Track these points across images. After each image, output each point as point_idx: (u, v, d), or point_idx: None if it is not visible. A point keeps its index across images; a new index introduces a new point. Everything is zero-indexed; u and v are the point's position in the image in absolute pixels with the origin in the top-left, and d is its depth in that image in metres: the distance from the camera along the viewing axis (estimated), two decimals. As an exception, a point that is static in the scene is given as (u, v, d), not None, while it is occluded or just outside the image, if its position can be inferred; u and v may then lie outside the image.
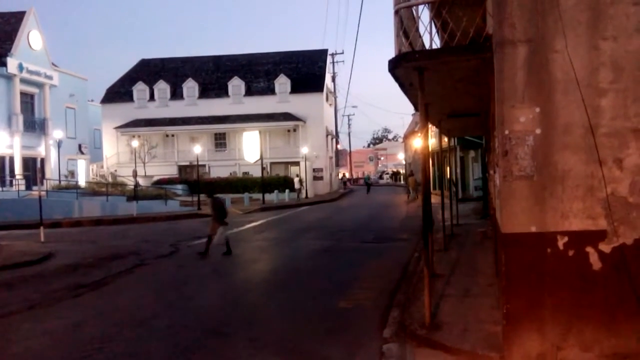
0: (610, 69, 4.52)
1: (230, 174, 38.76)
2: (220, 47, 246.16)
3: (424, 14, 5.96)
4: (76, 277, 10.15)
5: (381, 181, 71.85)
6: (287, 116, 40.33)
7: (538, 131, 4.61)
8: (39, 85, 32.73)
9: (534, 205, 4.62)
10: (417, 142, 34.68)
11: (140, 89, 42.12)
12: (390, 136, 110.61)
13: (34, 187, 28.85)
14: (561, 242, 4.60)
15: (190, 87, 41.88)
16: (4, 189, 28.61)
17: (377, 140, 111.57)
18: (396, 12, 5.64)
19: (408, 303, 6.90)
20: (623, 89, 4.52)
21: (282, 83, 41.08)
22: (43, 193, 23.30)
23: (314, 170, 40.60)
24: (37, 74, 31.96)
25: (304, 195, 35.51)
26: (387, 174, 76.93)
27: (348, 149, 74.61)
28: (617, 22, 4.51)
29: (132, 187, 28.63)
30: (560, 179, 4.59)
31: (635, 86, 4.51)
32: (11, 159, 30.33)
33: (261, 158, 32.90)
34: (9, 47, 30.16)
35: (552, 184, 4.60)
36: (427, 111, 7.06)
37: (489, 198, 13.01)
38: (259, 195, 31.53)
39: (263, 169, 33.02)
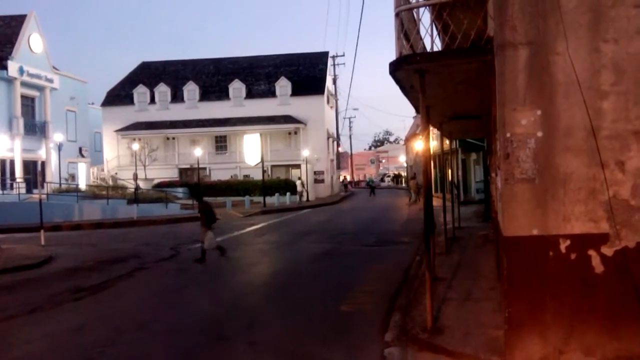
0: (611, 72, 4.51)
1: (231, 176, 38.74)
2: (221, 50, 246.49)
3: (425, 17, 5.96)
4: (76, 281, 10.12)
5: (382, 184, 71.82)
6: (288, 119, 40.35)
7: (539, 134, 4.59)
8: (40, 89, 32.77)
9: (535, 208, 4.60)
10: (418, 145, 34.71)
11: (140, 92, 42.16)
12: (392, 139, 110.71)
13: (35, 190, 28.83)
14: (563, 245, 4.58)
15: (191, 90, 41.92)
16: (5, 192, 28.63)
17: (378, 143, 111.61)
18: (397, 15, 5.63)
19: (410, 307, 6.87)
20: (624, 91, 4.51)
21: (283, 86, 41.10)
22: (43, 196, 23.31)
23: (315, 173, 40.59)
24: (38, 77, 32.01)
25: (305, 198, 35.50)
26: (389, 176, 76.91)
27: (349, 152, 74.63)
28: (618, 25, 4.50)
29: (133, 190, 28.61)
30: (562, 181, 4.58)
31: (637, 88, 4.49)
32: (12, 162, 30.35)
33: (262, 161, 32.89)
34: (10, 50, 30.22)
35: (553, 187, 4.58)
36: (428, 114, 7.05)
37: (491, 201, 12.99)
38: (260, 198, 31.51)
39: (264, 171, 33.03)
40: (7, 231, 19.14)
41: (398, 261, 11.13)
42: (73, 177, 35.60)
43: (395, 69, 5.61)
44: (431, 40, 5.74)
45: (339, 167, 52.79)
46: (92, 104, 42.96)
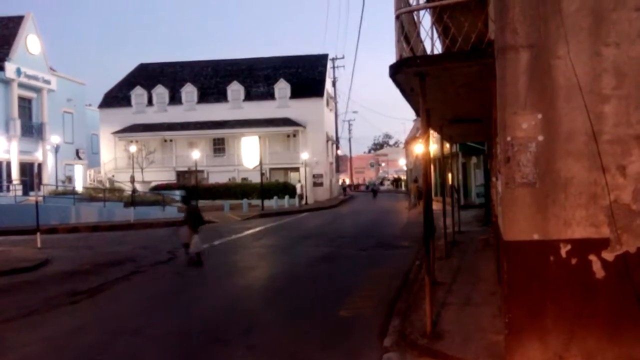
0: (612, 75, 4.49)
1: (229, 179, 38.65)
2: (220, 52, 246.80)
3: (425, 19, 5.93)
4: (73, 284, 10.06)
5: (382, 187, 71.85)
6: (286, 121, 40.32)
7: (540, 138, 4.57)
8: (37, 90, 32.70)
9: (536, 212, 4.57)
10: (418, 148, 34.68)
11: (138, 94, 42.10)
12: (392, 142, 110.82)
13: (31, 193, 28.81)
14: (564, 250, 4.55)
15: (189, 92, 41.86)
16: (1, 194, 28.51)
17: (378, 146, 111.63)
18: (397, 17, 5.61)
19: (409, 311, 6.83)
20: (626, 95, 4.48)
21: (282, 88, 41.08)
22: (40, 198, 23.25)
23: (313, 176, 40.53)
24: (35, 78, 31.94)
25: (304, 201, 35.47)
26: (388, 180, 76.90)
27: (349, 155, 74.61)
28: (619, 28, 4.48)
29: (130, 192, 28.54)
30: (563, 186, 4.55)
31: (638, 92, 4.47)
32: (8, 164, 30.25)
33: (260, 164, 32.84)
34: (7, 51, 30.16)
35: (554, 192, 4.55)
36: (428, 117, 7.02)
37: (491, 205, 12.95)
38: (258, 202, 31.44)
39: (262, 174, 32.96)
40: (3, 233, 19.06)
41: (397, 265, 11.09)
42: (70, 179, 35.49)
43: (396, 72, 5.59)
44: (431, 43, 5.73)
45: (338, 170, 52.75)
46: (90, 105, 42.85)
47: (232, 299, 8.68)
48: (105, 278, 10.55)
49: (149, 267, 11.95)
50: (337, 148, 52.82)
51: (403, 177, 68.84)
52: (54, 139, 31.88)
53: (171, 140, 41.31)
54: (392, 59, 5.73)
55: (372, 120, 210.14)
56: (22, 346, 6.18)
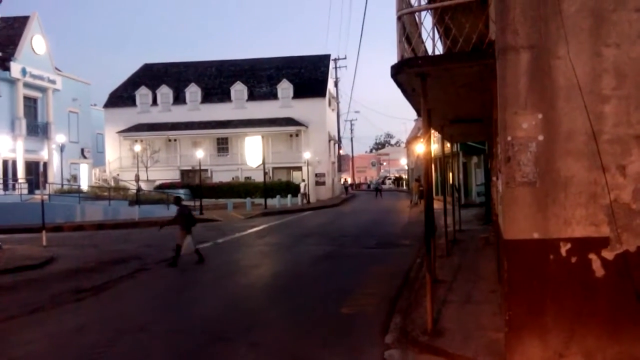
0: (613, 76, 4.52)
1: (233, 178, 38.77)
2: (223, 52, 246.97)
3: (427, 20, 5.98)
4: (78, 281, 10.14)
5: (383, 187, 71.84)
6: (289, 121, 40.38)
7: (541, 137, 4.60)
8: (42, 90, 32.85)
9: (536, 211, 4.61)
10: (419, 148, 34.68)
11: (143, 94, 42.22)
12: (393, 141, 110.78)
13: (37, 191, 28.91)
14: (564, 249, 4.58)
15: (193, 92, 41.97)
16: (7, 192, 28.67)
17: (379, 146, 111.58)
18: (399, 18, 5.65)
19: (410, 309, 6.88)
20: (626, 95, 4.51)
21: (285, 88, 41.14)
22: (45, 197, 23.30)
23: (316, 175, 40.59)
24: (40, 78, 32.09)
25: (306, 200, 35.52)
26: (390, 179, 76.87)
27: (350, 154, 74.63)
28: (619, 29, 4.51)
29: (134, 191, 28.65)
30: (563, 185, 4.58)
31: (638, 93, 4.50)
32: (14, 163, 30.41)
33: (263, 163, 32.93)
34: (13, 51, 30.30)
35: (554, 191, 4.59)
36: (429, 117, 7.06)
37: (492, 204, 12.98)
38: (261, 200, 31.53)
39: (265, 173, 33.05)
40: (8, 232, 19.19)
41: (399, 263, 11.13)
42: (75, 178, 35.64)
43: (397, 72, 5.63)
44: (433, 43, 5.78)
45: (340, 170, 52.79)
46: (95, 105, 43.02)
47: (236, 297, 8.74)
48: (110, 276, 10.63)
49: (153, 265, 12.03)
50: (339, 147, 52.89)
51: (404, 176, 68.78)
52: (60, 138, 32.03)
53: (175, 140, 41.42)
54: (394, 59, 5.78)
55: (373, 120, 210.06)
56: (26, 343, 6.25)
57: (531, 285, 4.61)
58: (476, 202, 25.96)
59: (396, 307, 7.27)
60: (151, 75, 44.42)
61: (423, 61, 5.57)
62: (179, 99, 42.14)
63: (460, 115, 9.06)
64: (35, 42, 32.17)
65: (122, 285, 9.84)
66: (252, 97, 41.59)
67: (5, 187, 29.52)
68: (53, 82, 33.31)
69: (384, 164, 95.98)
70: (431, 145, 7.21)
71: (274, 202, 32.13)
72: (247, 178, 38.70)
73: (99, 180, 39.83)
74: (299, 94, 41.08)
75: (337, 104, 51.32)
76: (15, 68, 29.85)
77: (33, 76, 31.31)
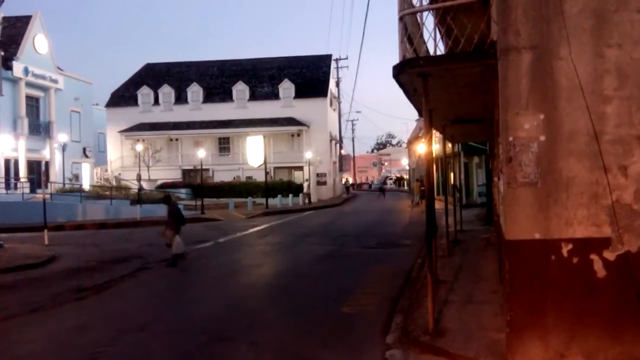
0: (614, 76, 4.52)
1: (234, 178, 38.81)
2: (225, 52, 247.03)
3: (429, 21, 5.99)
4: (79, 280, 10.16)
5: (385, 187, 71.85)
6: (291, 121, 40.40)
7: (542, 138, 4.60)
8: (44, 89, 32.91)
9: (538, 212, 4.61)
10: (421, 148, 34.69)
11: (144, 93, 42.28)
12: (394, 142, 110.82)
13: (38, 190, 28.95)
14: (565, 249, 4.58)
15: (195, 91, 42.02)
16: (9, 191, 28.72)
17: (380, 146, 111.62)
18: (400, 19, 5.65)
19: (411, 309, 6.88)
20: (628, 96, 4.51)
21: (286, 88, 41.16)
22: (47, 196, 23.35)
23: (317, 175, 40.61)
24: (43, 77, 32.15)
25: (309, 200, 35.55)
26: (391, 179, 76.88)
27: (352, 154, 74.63)
28: (621, 30, 4.50)
29: (136, 190, 28.69)
30: (565, 186, 4.58)
31: (640, 93, 4.50)
32: (16, 162, 30.47)
33: (265, 163, 32.95)
34: (15, 50, 30.34)
35: (556, 191, 4.59)
36: (431, 117, 7.05)
37: (493, 204, 12.97)
38: (263, 200, 31.56)
39: (267, 173, 33.07)
40: (10, 230, 19.19)
41: (400, 263, 11.13)
42: (77, 177, 35.71)
43: (399, 72, 5.63)
44: (434, 44, 5.77)
45: (341, 170, 52.79)
46: (97, 104, 43.07)
47: (237, 296, 8.75)
48: (111, 275, 10.65)
49: (155, 264, 12.04)
50: (341, 147, 52.88)
51: (405, 176, 68.77)
52: (61, 137, 32.08)
53: (177, 139, 41.47)
54: (395, 59, 5.78)
55: (375, 120, 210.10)
56: (27, 342, 6.26)
57: (532, 285, 4.61)
58: (477, 202, 25.97)
59: (397, 307, 7.27)
60: (153, 75, 44.48)
61: (425, 61, 5.57)
62: (181, 98, 42.19)
63: (462, 115, 9.06)
64: (38, 42, 32.23)
65: (123, 285, 9.86)
66: (253, 96, 41.62)
67: (7, 186, 29.57)
68: (55, 81, 33.37)
69: (385, 164, 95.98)
70: (432, 146, 7.21)
71: (275, 201, 32.16)
72: (249, 178, 38.74)
73: (100, 179, 39.92)
74: (300, 94, 41.10)
75: (339, 104, 51.34)
76: (17, 67, 29.89)
77: (35, 75, 31.37)
